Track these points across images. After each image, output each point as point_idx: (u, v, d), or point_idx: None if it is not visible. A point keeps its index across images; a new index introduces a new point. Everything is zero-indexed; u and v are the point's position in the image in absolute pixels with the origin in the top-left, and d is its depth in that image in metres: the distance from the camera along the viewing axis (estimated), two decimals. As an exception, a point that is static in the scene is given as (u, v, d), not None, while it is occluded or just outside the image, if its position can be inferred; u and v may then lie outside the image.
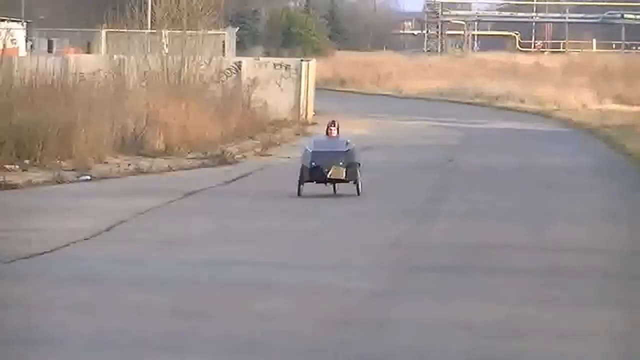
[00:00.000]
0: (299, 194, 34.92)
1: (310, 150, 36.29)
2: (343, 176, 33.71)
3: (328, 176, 33.84)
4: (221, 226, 41.22)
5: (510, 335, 23.79)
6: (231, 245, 36.01)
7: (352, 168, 34.47)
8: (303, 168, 35.48)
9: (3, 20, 78.31)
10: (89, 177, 53.28)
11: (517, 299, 26.79)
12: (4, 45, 73.17)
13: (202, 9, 79.63)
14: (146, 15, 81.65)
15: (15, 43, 73.22)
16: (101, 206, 45.06)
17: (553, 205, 46.22)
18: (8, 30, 73.46)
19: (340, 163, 34.46)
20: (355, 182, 34.68)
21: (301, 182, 34.66)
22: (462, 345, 21.53)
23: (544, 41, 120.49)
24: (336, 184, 35.45)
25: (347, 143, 37.43)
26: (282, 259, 33.69)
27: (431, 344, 21.63)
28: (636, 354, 21.26)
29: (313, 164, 34.66)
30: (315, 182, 35.31)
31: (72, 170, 53.64)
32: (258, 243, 36.62)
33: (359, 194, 34.60)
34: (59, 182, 51.40)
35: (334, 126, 39.09)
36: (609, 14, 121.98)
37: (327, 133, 39.18)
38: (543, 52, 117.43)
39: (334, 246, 35.97)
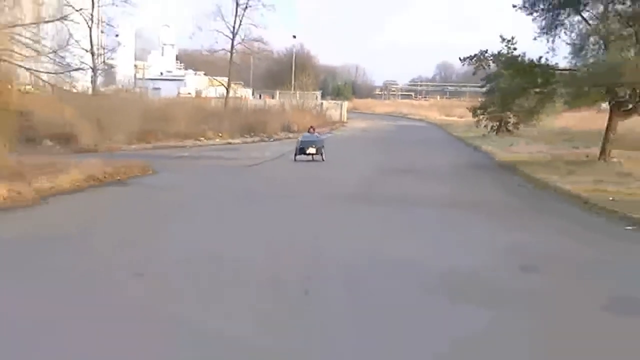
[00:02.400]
0: (295, 160, 33.63)
1: (300, 140, 35.67)
2: (315, 152, 33.34)
3: (307, 152, 33.47)
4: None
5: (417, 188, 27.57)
6: (313, 165, 34.68)
7: (319, 149, 33.80)
8: (296, 148, 34.32)
9: (241, 84, 76.50)
10: (272, 139, 50.32)
11: (419, 178, 28.56)
12: (245, 96, 66.93)
13: (311, 86, 79.45)
14: (292, 86, 74.02)
15: (246, 94, 73.28)
16: (276, 148, 43.02)
17: (435, 150, 43.77)
18: (244, 91, 74.04)
19: (313, 145, 33.93)
20: (321, 155, 33.81)
21: (296, 154, 33.67)
22: (400, 191, 25.18)
23: (421, 96, 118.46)
24: (313, 156, 33.67)
25: (317, 136, 36.99)
26: (334, 167, 34.08)
27: (390, 191, 25.28)
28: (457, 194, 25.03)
29: (301, 146, 34.04)
30: (302, 154, 33.57)
31: (267, 136, 50.82)
32: (334, 167, 33.97)
33: (323, 160, 33.53)
34: (262, 141, 48.78)
35: (313, 128, 38.88)
36: (445, 86, 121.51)
37: (309, 132, 37.74)
38: (419, 99, 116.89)
39: (355, 164, 34.82)
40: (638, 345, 9.31)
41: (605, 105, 32.11)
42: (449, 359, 8.91)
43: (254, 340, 9.13)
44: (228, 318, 9.99)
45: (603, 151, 30.87)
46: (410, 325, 10.33)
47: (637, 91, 29.23)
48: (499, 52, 30.91)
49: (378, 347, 9.34)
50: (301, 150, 34.39)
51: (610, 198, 21.29)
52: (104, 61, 53.35)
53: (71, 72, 31.80)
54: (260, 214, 19.45)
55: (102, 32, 50.55)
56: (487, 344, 9.47)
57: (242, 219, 18.79)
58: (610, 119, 31.07)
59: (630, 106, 30.17)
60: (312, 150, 34.15)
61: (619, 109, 30.48)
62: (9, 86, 23.58)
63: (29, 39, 24.81)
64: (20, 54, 24.03)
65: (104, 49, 52.59)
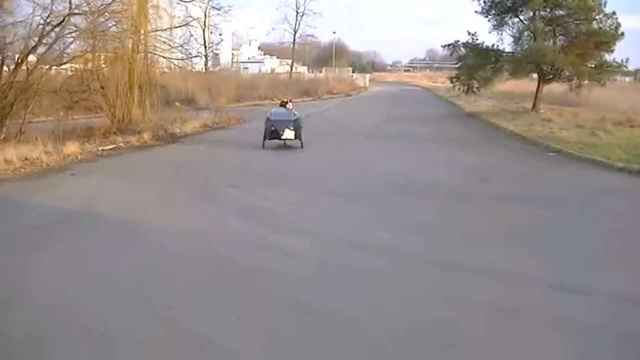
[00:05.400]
0: (263, 146, 19.46)
1: (271, 119, 19.78)
2: (293, 137, 19.20)
3: (282, 137, 19.15)
4: (339, 104, 40.47)
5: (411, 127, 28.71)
6: (343, 113, 34.93)
7: (298, 131, 19.36)
8: (266, 130, 19.68)
9: (300, 64, 73.57)
10: (321, 99, 46.25)
11: (415, 121, 28.64)
12: (302, 72, 66.54)
13: (345, 64, 78.03)
14: (333, 64, 73.84)
15: (303, 70, 71.51)
16: (323, 105, 39.01)
17: (424, 104, 41.32)
18: (302, 68, 72.30)
19: (290, 128, 19.12)
20: (300, 139, 19.37)
21: (265, 139, 19.61)
22: (399, 130, 24.96)
23: (416, 70, 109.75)
24: (287, 140, 19.59)
25: (294, 114, 20.56)
26: (355, 114, 33.85)
27: (393, 130, 25.19)
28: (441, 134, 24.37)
29: (272, 128, 19.32)
30: (274, 139, 19.22)
31: (317, 97, 46.67)
32: (358, 112, 35.24)
33: (302, 147, 19.26)
34: (314, 100, 44.35)
35: (288, 102, 21.95)
36: (432, 63, 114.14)
37: (284, 106, 21.38)
38: (415, 72, 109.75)
39: (368, 112, 34.41)
40: (514, 212, 10.46)
41: (534, 76, 32.26)
42: (409, 229, 9.37)
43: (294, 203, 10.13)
44: (282, 202, 10.93)
45: (534, 105, 30.90)
46: (384, 204, 11.17)
47: (555, 66, 29.24)
48: (466, 41, 31.23)
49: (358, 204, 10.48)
50: (272, 135, 19.10)
51: (539, 135, 21.33)
52: (212, 51, 55.00)
53: (192, 59, 32.31)
54: (311, 145, 19.11)
55: (211, 32, 50.90)
56: (430, 223, 9.89)
57: (299, 149, 18.80)
58: (538, 85, 31.24)
59: (551, 76, 30.32)
60: (289, 134, 19.17)
61: (543, 78, 30.54)
62: (154, 69, 23.74)
63: (166, 38, 25.07)
64: (161, 48, 24.24)
65: (212, 43, 53.14)
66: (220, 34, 58.59)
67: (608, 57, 29.35)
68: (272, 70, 67.71)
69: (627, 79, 57.77)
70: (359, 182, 13.33)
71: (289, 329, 5.72)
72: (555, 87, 32.72)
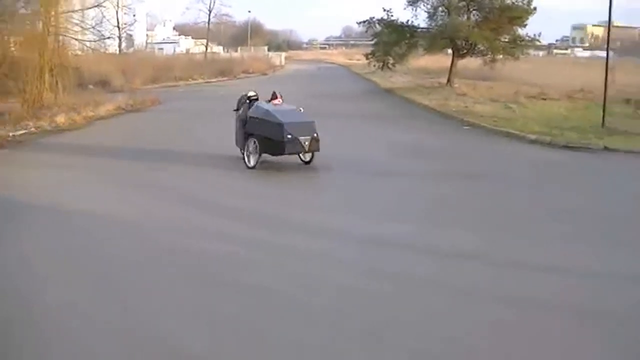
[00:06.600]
0: (253, 166, 11.76)
1: (282, 122, 11.39)
2: (318, 149, 11.95)
3: (307, 148, 11.65)
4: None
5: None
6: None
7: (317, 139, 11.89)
8: (272, 141, 11.46)
9: (215, 44, 73.97)
10: (236, 78, 43.71)
11: (333, 99, 27.39)
12: (218, 51, 64.22)
13: (260, 43, 78.54)
14: (248, 44, 73.38)
15: (219, 50, 72.13)
16: (238, 84, 33.25)
17: (341, 81, 39.82)
18: (217, 48, 71.27)
19: (315, 134, 11.73)
20: (312, 154, 12.05)
21: (260, 153, 11.77)
22: (320, 108, 23.38)
23: (332, 48, 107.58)
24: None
25: (301, 110, 12.31)
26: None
27: (311, 109, 26.52)
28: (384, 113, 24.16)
29: (289, 136, 11.30)
30: (291, 154, 11.81)
31: (233, 77, 44.61)
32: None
33: (310, 162, 12.12)
34: (230, 80, 42.52)
35: (277, 97, 12.89)
36: (347, 41, 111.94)
37: (270, 101, 12.63)
38: (331, 50, 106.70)
39: (285, 91, 32.01)
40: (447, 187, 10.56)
41: (449, 51, 32.78)
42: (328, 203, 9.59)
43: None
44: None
45: (448, 80, 31.39)
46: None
47: (469, 41, 29.89)
48: (382, 18, 31.39)
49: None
50: (290, 146, 11.65)
51: (454, 109, 21.94)
52: (125, 32, 53.99)
53: (105, 40, 31.75)
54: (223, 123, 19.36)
55: (124, 13, 50.18)
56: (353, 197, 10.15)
57: (216, 122, 18.34)
58: (452, 60, 31.85)
59: (465, 51, 31.00)
60: (314, 145, 12.00)
61: (458, 53, 31.23)
62: (66, 51, 23.29)
63: (78, 19, 24.84)
64: (73, 30, 23.93)
65: (125, 24, 52.38)
66: (134, 15, 57.91)
67: (521, 31, 30.22)
68: (187, 50, 66.30)
69: (541, 53, 61.21)
70: (284, 161, 13.02)
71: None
72: (471, 62, 33.38)
